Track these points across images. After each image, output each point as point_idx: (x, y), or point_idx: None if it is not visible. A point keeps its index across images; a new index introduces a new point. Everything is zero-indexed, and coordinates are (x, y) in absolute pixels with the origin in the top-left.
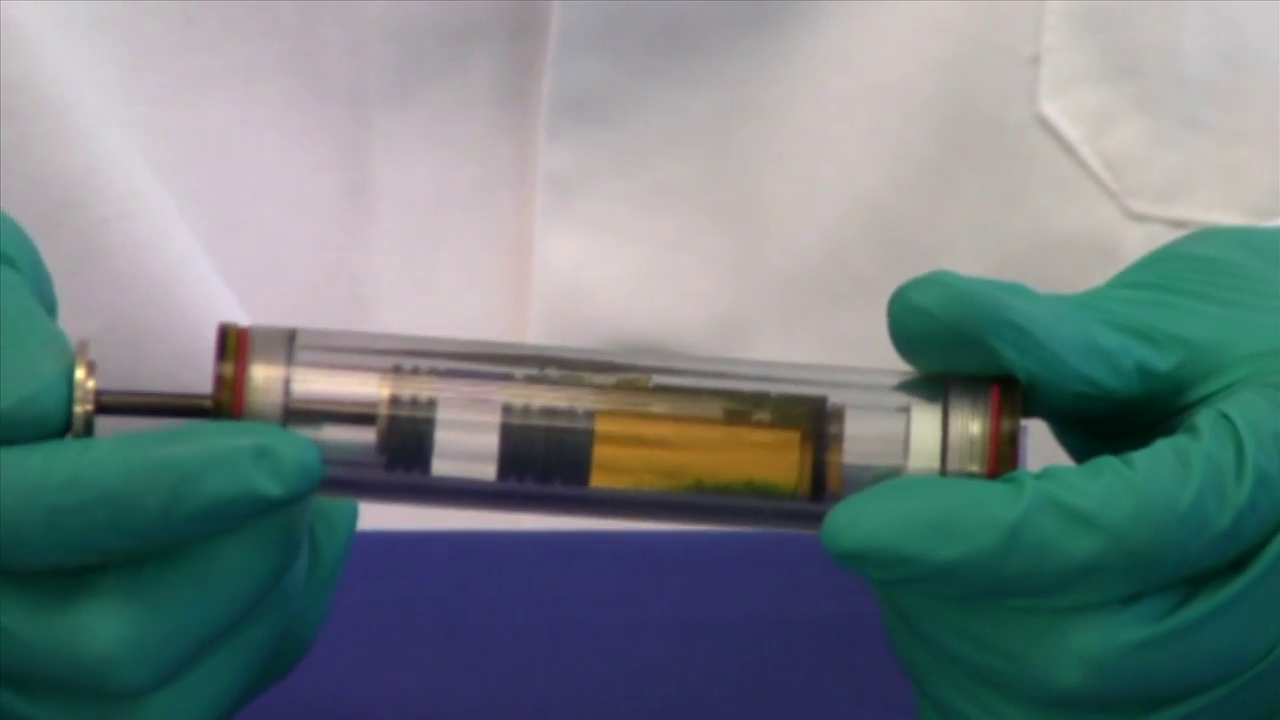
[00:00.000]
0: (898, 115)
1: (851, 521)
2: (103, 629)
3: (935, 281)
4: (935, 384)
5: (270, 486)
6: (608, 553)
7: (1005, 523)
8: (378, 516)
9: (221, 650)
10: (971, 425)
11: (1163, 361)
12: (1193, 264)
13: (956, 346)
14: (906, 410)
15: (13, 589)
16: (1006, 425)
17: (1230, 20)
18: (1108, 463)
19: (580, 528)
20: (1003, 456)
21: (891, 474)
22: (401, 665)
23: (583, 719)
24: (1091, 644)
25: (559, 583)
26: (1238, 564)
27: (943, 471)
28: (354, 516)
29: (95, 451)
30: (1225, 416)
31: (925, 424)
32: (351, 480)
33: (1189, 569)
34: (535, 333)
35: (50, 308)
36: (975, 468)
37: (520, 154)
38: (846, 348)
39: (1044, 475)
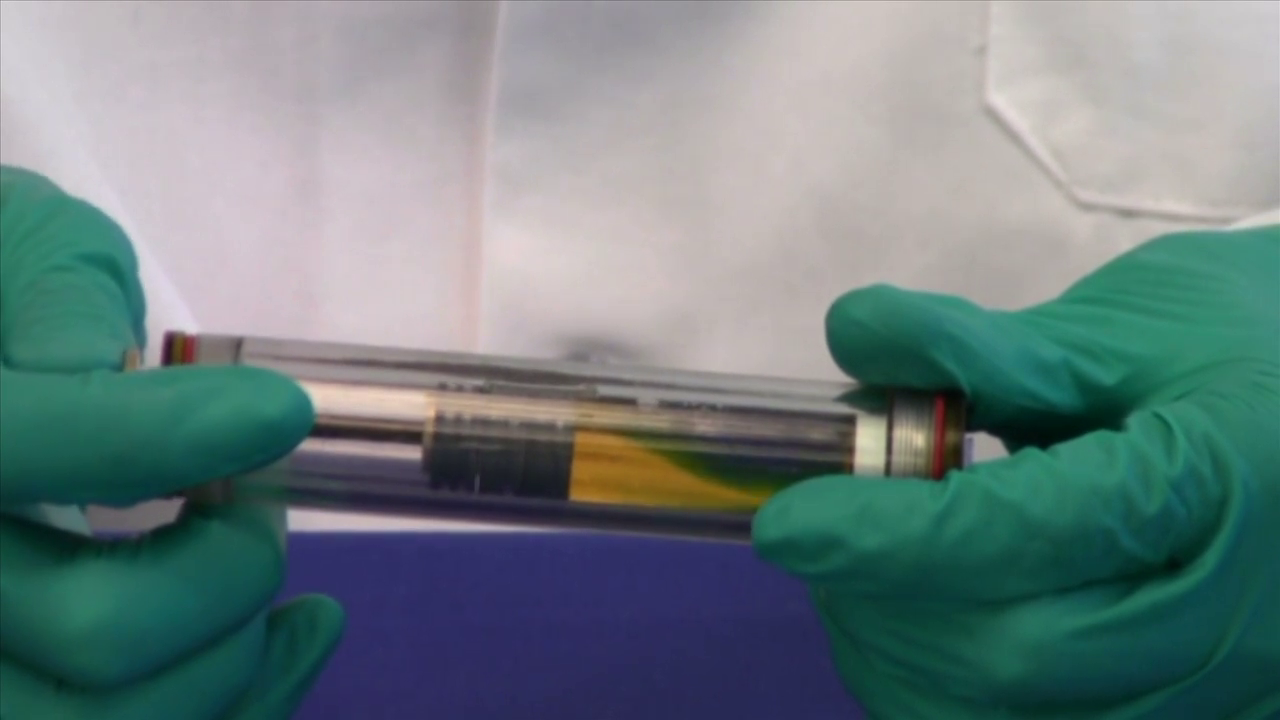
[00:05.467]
0: (847, 106)
1: (779, 513)
2: (88, 602)
3: (872, 294)
4: (880, 396)
5: (268, 409)
6: (575, 554)
7: (930, 511)
8: (340, 518)
9: (191, 673)
10: (916, 438)
11: (1107, 377)
12: (1145, 274)
13: (896, 359)
14: (852, 422)
15: (4, 538)
16: (951, 437)
17: (1178, 9)
18: (1031, 453)
19: (543, 532)
20: (947, 468)
21: None
22: (370, 664)
23: (550, 718)
24: (1029, 632)
25: (527, 584)
26: (1176, 565)
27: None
28: (339, 626)
29: (95, 381)
30: (1156, 415)
31: (870, 436)
32: (302, 488)
33: (1120, 558)
34: (485, 327)
35: (137, 318)
36: (919, 479)
37: (469, 149)
38: (798, 339)
39: (970, 469)
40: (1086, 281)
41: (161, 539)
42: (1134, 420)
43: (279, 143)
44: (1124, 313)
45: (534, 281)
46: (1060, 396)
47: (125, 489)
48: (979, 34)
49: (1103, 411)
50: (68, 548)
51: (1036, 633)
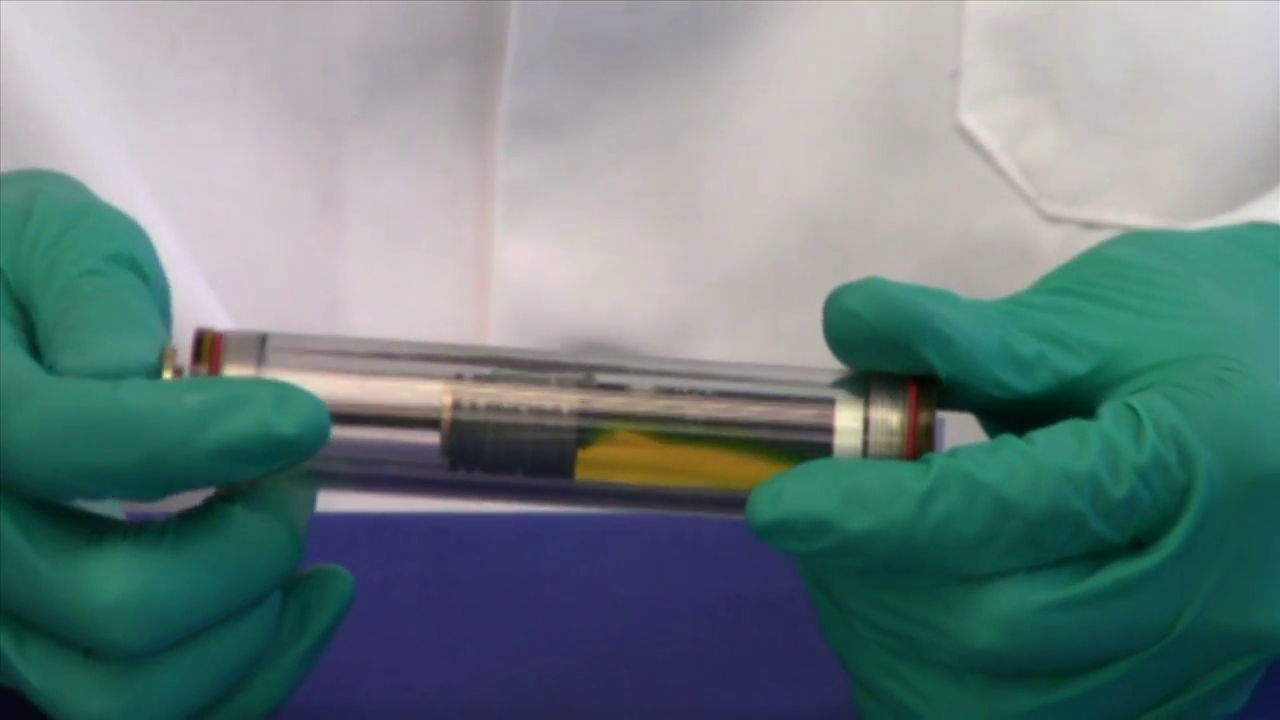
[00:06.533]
0: (831, 127)
1: (773, 497)
2: (115, 579)
3: (866, 288)
4: (859, 380)
5: (286, 427)
6: (576, 536)
7: (915, 493)
8: (355, 500)
9: (210, 645)
10: (891, 418)
11: (1078, 366)
12: (1113, 269)
13: (884, 348)
14: (832, 404)
15: (39, 521)
16: (923, 418)
17: (1137, 34)
18: (1009, 439)
19: (546, 512)
20: (920, 447)
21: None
22: (382, 639)
23: (549, 690)
24: (1004, 606)
25: (528, 563)
26: (1140, 545)
27: (864, 457)
28: (349, 595)
29: (126, 388)
30: (1128, 405)
31: (849, 417)
32: (328, 472)
33: (1089, 538)
34: (495, 331)
35: (163, 306)
36: (894, 457)
37: (481, 166)
38: (787, 343)
39: (950, 453)
40: (1059, 273)
41: (186, 522)
42: (1106, 410)
43: (304, 162)
44: (1094, 305)
45: (541, 288)
46: (1031, 387)
47: (152, 488)
48: (953, 59)
49: (1072, 397)
50: (97, 530)
51: (1009, 607)
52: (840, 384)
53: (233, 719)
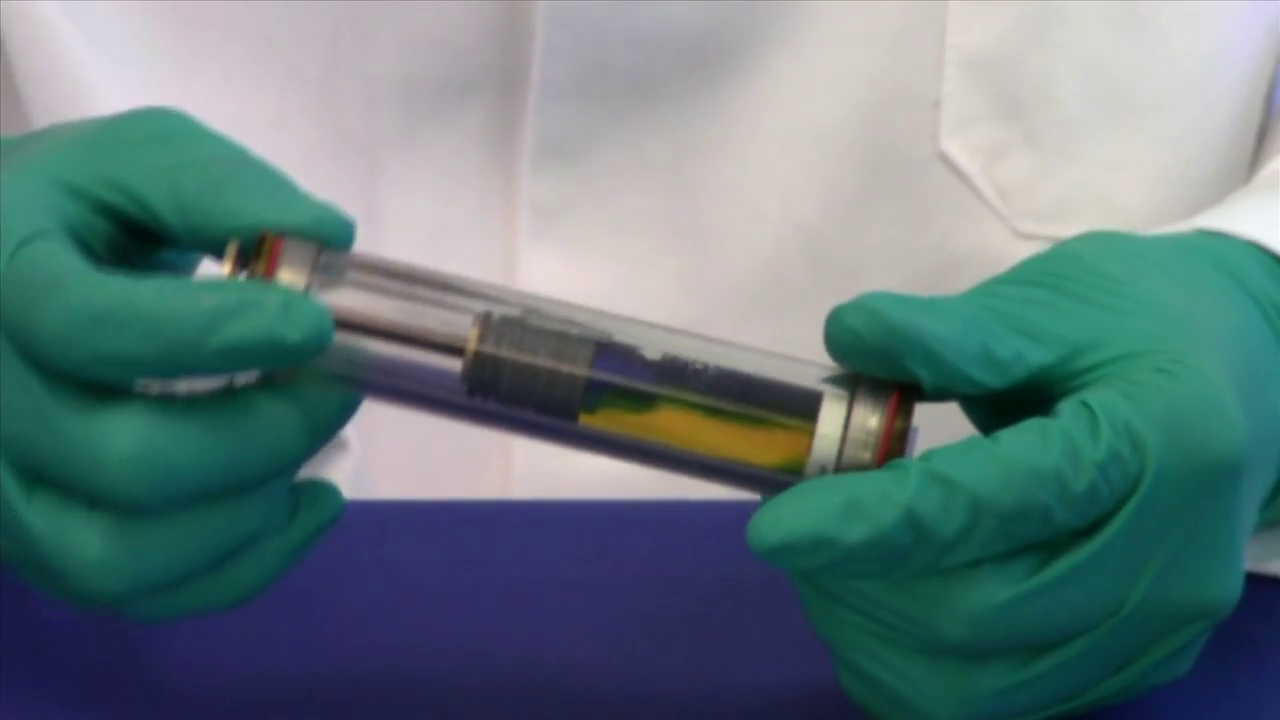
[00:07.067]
0: (823, 153)
1: (774, 522)
2: (128, 433)
3: (864, 307)
4: (848, 381)
5: (290, 334)
6: (586, 520)
7: (901, 501)
8: (388, 489)
9: (211, 514)
10: (870, 420)
11: (1045, 356)
12: (1078, 264)
13: (877, 360)
14: (820, 398)
15: (56, 384)
16: (900, 424)
17: (1102, 67)
18: (978, 441)
19: (561, 497)
20: (892, 450)
21: (792, 460)
22: (410, 613)
23: (563, 660)
24: (971, 604)
25: (544, 545)
26: (1090, 529)
27: (840, 451)
28: (339, 508)
29: (146, 283)
30: (1084, 403)
31: (833, 410)
32: (360, 379)
33: (1054, 528)
34: None
35: None
36: (867, 454)
37: (507, 187)
38: (783, 349)
39: (925, 458)
40: (1031, 263)
41: (204, 396)
42: (1064, 407)
43: (347, 183)
44: (1062, 298)
45: (561, 297)
46: (1006, 383)
47: (171, 375)
48: (934, 90)
49: (1039, 381)
50: (116, 391)
51: (977, 605)
52: (831, 380)
53: (210, 596)
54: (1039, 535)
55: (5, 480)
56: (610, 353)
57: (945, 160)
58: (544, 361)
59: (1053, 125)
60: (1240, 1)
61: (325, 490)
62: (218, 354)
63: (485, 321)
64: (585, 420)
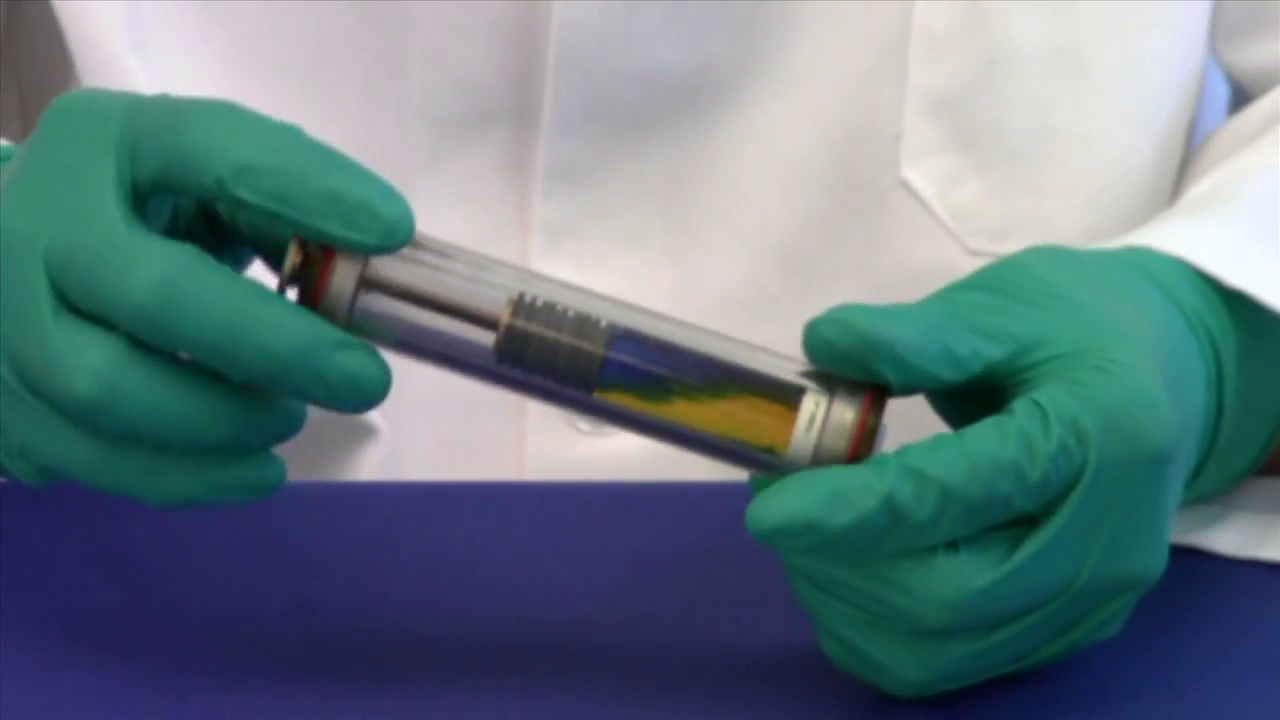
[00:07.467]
0: (799, 179)
1: (769, 509)
2: (162, 256)
3: (835, 319)
4: (827, 377)
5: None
6: (591, 500)
7: (880, 490)
8: (415, 471)
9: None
10: (846, 415)
11: (998, 352)
12: (1027, 272)
13: (850, 364)
14: (802, 392)
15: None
16: (872, 420)
17: (1043, 107)
18: (946, 438)
19: (569, 479)
20: (864, 443)
21: (776, 444)
22: (434, 580)
23: (570, 621)
24: (948, 592)
25: (553, 522)
26: (1042, 513)
27: (818, 442)
28: (300, 418)
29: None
30: (1035, 401)
31: (813, 404)
32: (405, 341)
33: (1013, 512)
34: None
35: None
36: (841, 445)
37: (521, 208)
38: None
39: (900, 453)
40: (983, 272)
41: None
42: (1018, 405)
43: None
44: (1011, 302)
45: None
46: (964, 377)
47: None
48: (896, 125)
49: (993, 375)
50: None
51: (954, 593)
52: (813, 376)
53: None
54: (1000, 519)
55: (36, 283)
56: (625, 338)
57: (905, 186)
58: (566, 340)
59: (1000, 156)
60: (1167, 48)
61: (292, 409)
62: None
63: (518, 303)
64: (598, 394)
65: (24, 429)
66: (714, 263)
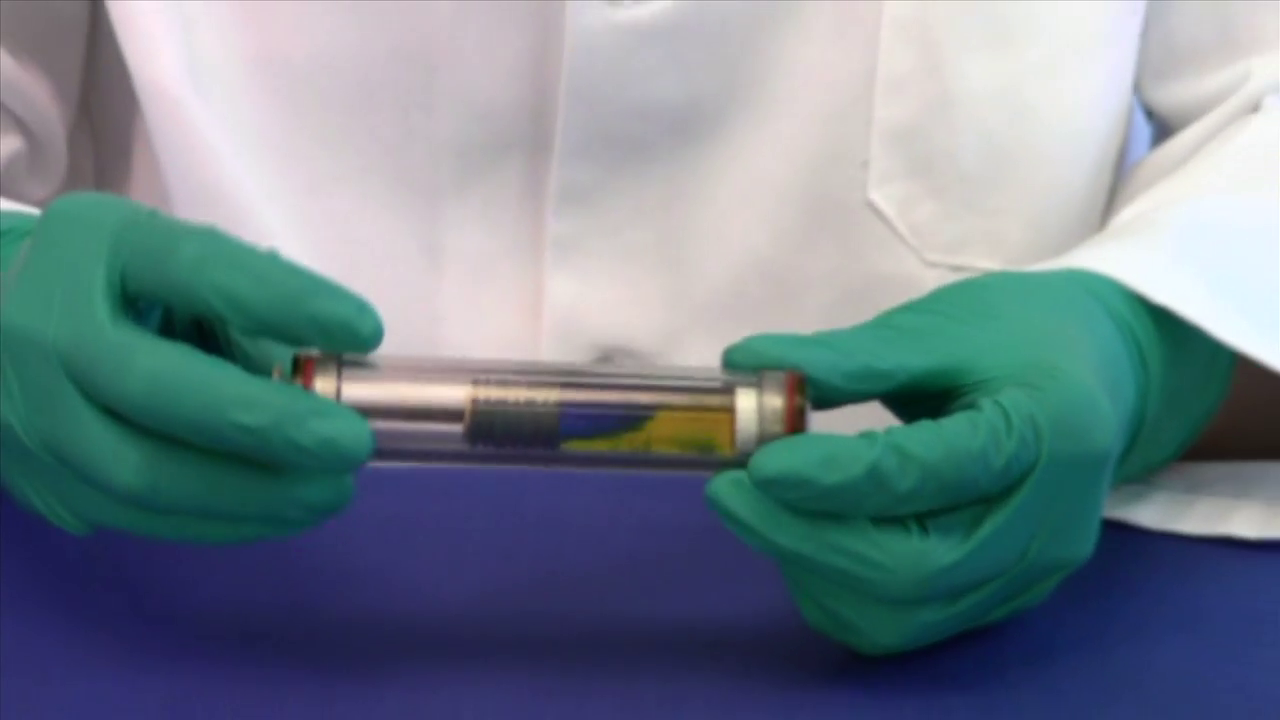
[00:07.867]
0: (777, 200)
1: (769, 461)
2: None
3: (747, 349)
4: (754, 375)
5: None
6: (591, 480)
7: (868, 459)
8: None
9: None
10: (775, 401)
11: (926, 362)
12: (967, 294)
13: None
14: (734, 389)
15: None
16: (798, 402)
17: (990, 137)
18: (927, 424)
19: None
20: (796, 423)
21: (719, 432)
22: (450, 552)
23: (569, 584)
24: (920, 568)
25: (560, 500)
26: (1000, 496)
27: (760, 429)
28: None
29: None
30: (998, 402)
31: (747, 398)
32: (386, 450)
33: (978, 493)
34: (546, 341)
35: None
36: (778, 428)
37: (536, 226)
38: None
39: (888, 431)
40: (937, 294)
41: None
42: (985, 404)
43: (413, 223)
44: (947, 322)
45: (578, 313)
46: (890, 387)
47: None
48: (863, 153)
49: (928, 382)
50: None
51: (923, 569)
52: (742, 377)
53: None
54: (967, 498)
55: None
56: (572, 393)
57: (872, 207)
58: (524, 409)
59: (953, 181)
60: (1100, 88)
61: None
62: (285, 445)
63: (474, 389)
64: (564, 446)
65: (72, 499)
66: (702, 274)
